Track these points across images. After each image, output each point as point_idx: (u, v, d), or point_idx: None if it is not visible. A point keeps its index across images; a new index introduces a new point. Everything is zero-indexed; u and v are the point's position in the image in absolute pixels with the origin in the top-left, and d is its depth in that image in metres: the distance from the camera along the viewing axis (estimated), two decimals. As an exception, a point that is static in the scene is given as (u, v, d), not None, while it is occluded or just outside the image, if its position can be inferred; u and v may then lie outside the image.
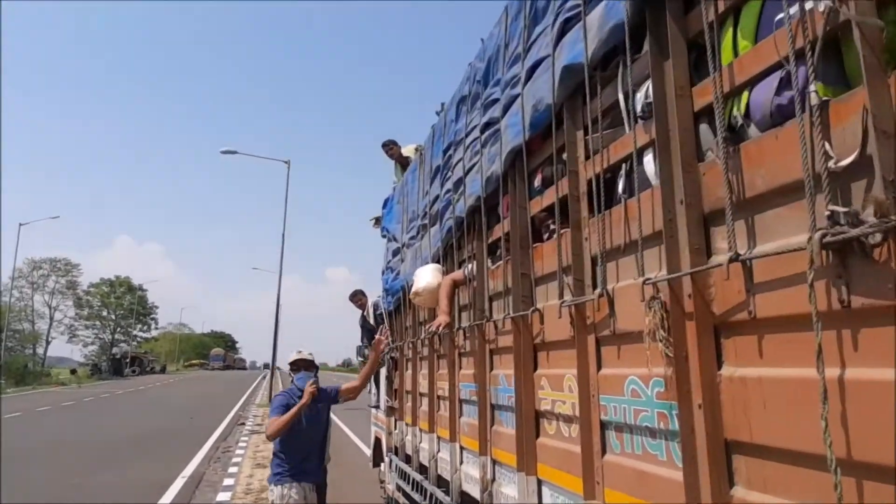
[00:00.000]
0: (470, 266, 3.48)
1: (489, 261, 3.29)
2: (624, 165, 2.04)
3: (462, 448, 3.64)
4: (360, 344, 7.91)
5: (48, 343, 58.49)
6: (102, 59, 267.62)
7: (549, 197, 2.55)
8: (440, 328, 3.49)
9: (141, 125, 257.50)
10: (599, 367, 2.11)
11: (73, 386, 39.82)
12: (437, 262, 4.12)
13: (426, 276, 4.04)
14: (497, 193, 3.11)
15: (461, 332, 3.66)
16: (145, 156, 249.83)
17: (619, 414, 1.96)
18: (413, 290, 4.11)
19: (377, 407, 6.95)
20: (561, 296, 2.33)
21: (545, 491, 2.56)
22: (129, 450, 12.29)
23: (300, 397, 4.33)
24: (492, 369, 3.18)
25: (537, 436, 2.61)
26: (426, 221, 4.42)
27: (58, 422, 17.74)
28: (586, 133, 2.28)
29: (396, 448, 5.67)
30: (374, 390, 7.40)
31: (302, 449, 4.25)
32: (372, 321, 7.35)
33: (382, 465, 7.25)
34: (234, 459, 11.09)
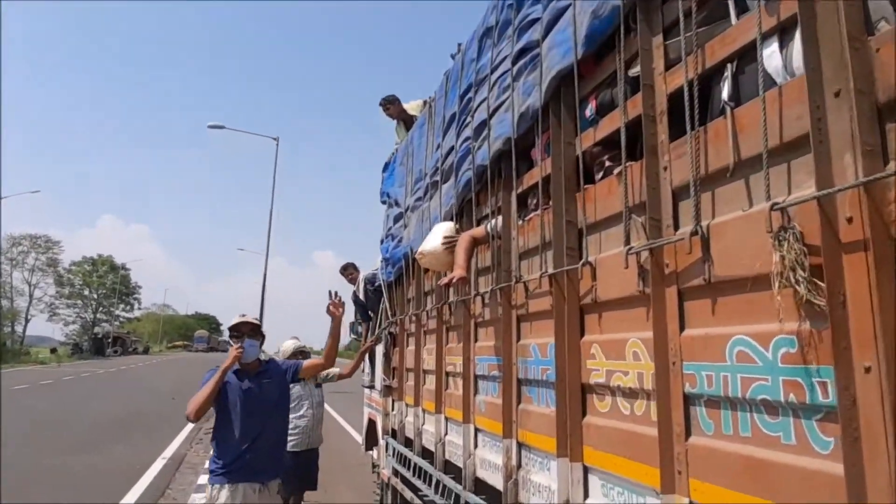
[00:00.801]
0: (493, 221, 3.03)
1: (517, 214, 2.84)
2: (729, 67, 1.59)
3: (477, 430, 3.21)
4: (353, 320, 7.46)
5: (27, 321, 57.30)
6: (95, 32, 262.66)
7: (610, 124, 2.10)
8: (454, 281, 2.99)
9: (129, 101, 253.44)
10: (683, 328, 1.67)
11: (53, 365, 39.06)
12: (451, 220, 3.66)
13: (436, 237, 3.59)
14: (531, 133, 2.65)
15: (479, 299, 3.21)
16: (133, 134, 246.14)
17: (716, 385, 1.52)
18: (419, 249, 3.66)
19: (371, 387, 6.50)
20: (627, 242, 1.89)
21: (593, 480, 2.13)
22: (109, 430, 11.80)
23: (237, 372, 3.63)
24: (519, 339, 2.73)
25: (584, 414, 2.18)
26: (437, 178, 3.95)
27: (35, 401, 17.14)
28: (666, 37, 1.83)
29: (394, 431, 5.24)
30: (367, 369, 6.96)
31: (240, 438, 3.47)
32: (362, 296, 6.88)
33: (375, 448, 6.83)
34: (218, 441, 10.62)
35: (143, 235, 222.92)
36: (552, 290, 2.35)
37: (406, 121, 6.10)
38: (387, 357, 5.54)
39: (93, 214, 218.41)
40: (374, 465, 6.77)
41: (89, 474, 8.06)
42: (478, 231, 3.11)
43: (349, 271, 7.03)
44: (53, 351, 51.01)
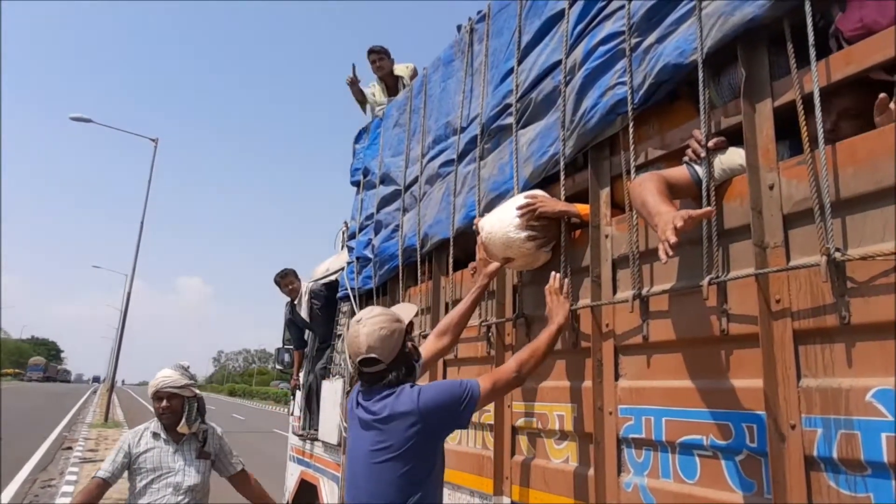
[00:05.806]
0: (694, 164, 1.69)
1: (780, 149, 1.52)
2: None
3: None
4: (281, 346, 5.72)
5: None
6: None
7: None
8: (682, 228, 1.39)
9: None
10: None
11: None
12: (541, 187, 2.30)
13: (511, 212, 2.21)
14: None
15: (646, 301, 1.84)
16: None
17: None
18: (483, 223, 2.30)
19: (312, 439, 4.75)
20: None
21: None
22: None
23: None
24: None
25: None
26: (506, 121, 2.55)
27: None
28: None
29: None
30: (296, 411, 5.26)
31: None
32: (305, 314, 5.22)
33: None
34: (59, 500, 8.12)
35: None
36: None
37: (389, 84, 4.69)
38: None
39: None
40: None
41: None
42: (674, 174, 1.72)
43: (288, 279, 5.41)
44: None
